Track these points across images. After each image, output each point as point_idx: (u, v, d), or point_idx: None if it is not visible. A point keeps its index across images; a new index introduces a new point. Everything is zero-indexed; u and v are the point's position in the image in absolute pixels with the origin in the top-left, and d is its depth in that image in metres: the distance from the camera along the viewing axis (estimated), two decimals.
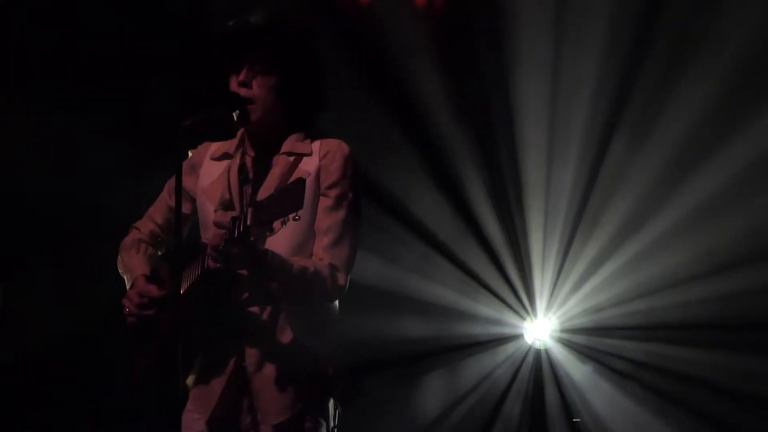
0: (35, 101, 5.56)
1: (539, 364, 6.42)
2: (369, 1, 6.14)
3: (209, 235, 3.48)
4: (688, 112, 5.97)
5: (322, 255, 3.46)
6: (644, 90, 6.05)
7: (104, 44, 5.64)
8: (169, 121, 3.26)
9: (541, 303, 6.42)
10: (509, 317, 6.46)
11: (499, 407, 6.39)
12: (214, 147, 3.70)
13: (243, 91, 3.50)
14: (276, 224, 3.13)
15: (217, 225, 3.45)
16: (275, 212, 3.11)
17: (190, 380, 3.52)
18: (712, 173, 5.95)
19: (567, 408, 6.31)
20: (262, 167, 3.56)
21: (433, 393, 6.41)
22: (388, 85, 6.10)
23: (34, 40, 5.63)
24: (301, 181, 3.12)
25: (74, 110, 5.58)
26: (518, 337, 6.48)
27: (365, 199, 3.61)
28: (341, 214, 3.50)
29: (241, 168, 3.58)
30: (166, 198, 3.76)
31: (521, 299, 6.43)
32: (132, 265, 3.65)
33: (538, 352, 6.44)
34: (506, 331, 6.47)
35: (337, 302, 3.58)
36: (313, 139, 3.59)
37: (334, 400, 3.56)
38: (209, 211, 3.57)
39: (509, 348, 6.47)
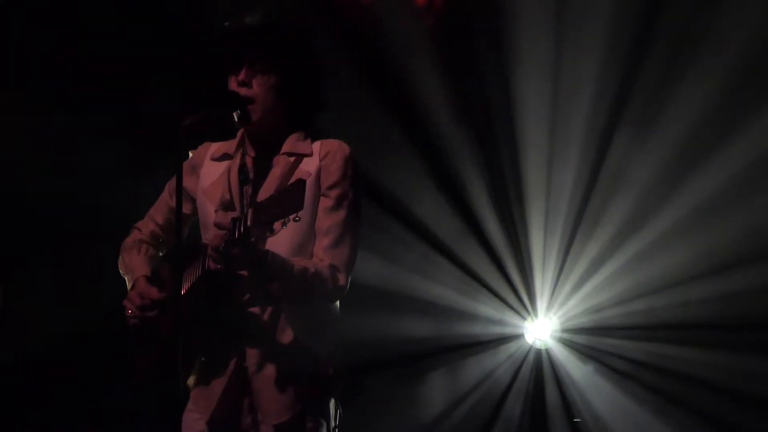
0: (35, 101, 5.55)
1: (540, 364, 6.42)
2: (369, 1, 6.14)
3: (210, 235, 3.49)
4: (689, 112, 5.97)
5: (322, 255, 3.46)
6: (644, 90, 6.05)
7: (104, 44, 5.63)
8: (169, 121, 3.26)
9: (541, 303, 6.42)
10: (510, 317, 6.46)
11: (499, 407, 6.39)
12: (215, 147, 3.70)
13: (243, 91, 3.50)
14: (276, 225, 3.13)
15: (218, 226, 3.46)
16: (275, 213, 3.12)
17: (190, 380, 3.52)
18: (712, 173, 5.95)
19: (567, 408, 6.31)
20: (263, 167, 3.56)
21: (434, 393, 6.41)
22: (388, 85, 6.09)
23: (34, 40, 5.63)
24: (301, 182, 3.12)
25: (74, 110, 5.57)
26: (519, 336, 6.48)
27: (365, 199, 3.61)
28: (341, 214, 3.50)
29: (242, 168, 3.58)
30: (166, 198, 3.76)
31: (522, 299, 6.43)
32: (133, 266, 3.65)
33: (538, 352, 6.44)
34: (507, 330, 6.47)
35: (337, 302, 3.59)
36: (314, 139, 3.59)
37: (335, 400, 3.56)
38: (210, 211, 3.57)
39: (510, 348, 6.48)
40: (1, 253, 5.51)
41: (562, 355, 6.40)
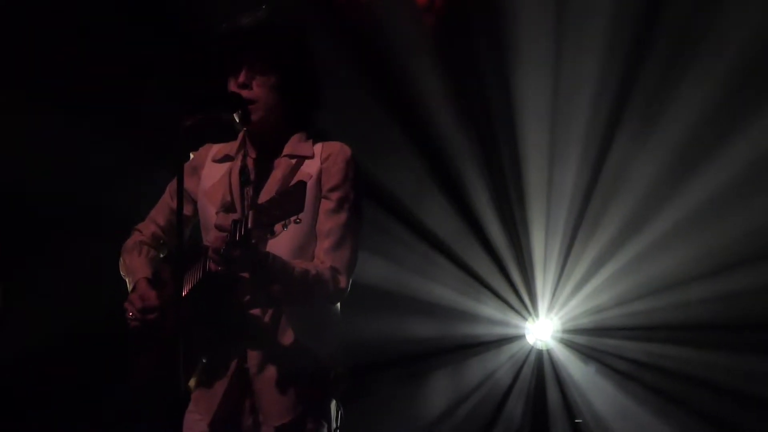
0: (35, 101, 5.54)
1: (541, 365, 6.43)
2: (369, 1, 6.13)
3: (210, 237, 3.48)
4: (689, 112, 5.97)
5: (323, 258, 3.46)
6: (645, 90, 6.05)
7: (104, 44, 5.63)
8: (170, 122, 3.25)
9: (542, 304, 6.42)
10: (511, 318, 6.46)
11: (501, 407, 6.39)
12: (216, 149, 3.70)
13: (244, 93, 3.50)
14: (277, 227, 3.14)
15: (219, 228, 3.45)
16: (276, 215, 3.12)
17: (192, 382, 3.52)
18: (712, 173, 5.95)
19: (568, 408, 6.31)
20: (264, 169, 3.56)
21: (436, 393, 6.41)
22: (388, 85, 6.09)
23: (34, 40, 5.62)
24: (302, 184, 3.12)
25: (74, 110, 5.57)
26: (520, 337, 6.48)
27: (366, 199, 3.61)
28: (342, 217, 3.50)
29: (243, 170, 3.58)
30: (167, 200, 3.76)
31: (523, 300, 6.43)
32: (134, 268, 3.64)
33: (539, 353, 6.44)
34: (508, 331, 6.47)
35: (338, 304, 3.58)
36: (315, 140, 3.59)
37: (336, 401, 3.56)
38: (211, 213, 3.56)
39: (511, 348, 6.48)
40: (1, 253, 5.50)
41: (563, 355, 6.40)
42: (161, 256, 3.73)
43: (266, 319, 3.45)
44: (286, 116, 3.56)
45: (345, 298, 3.54)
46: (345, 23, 5.99)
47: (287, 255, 3.40)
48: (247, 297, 3.43)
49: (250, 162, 3.60)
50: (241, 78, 3.51)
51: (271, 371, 3.44)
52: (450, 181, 6.28)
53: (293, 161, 3.53)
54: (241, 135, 3.64)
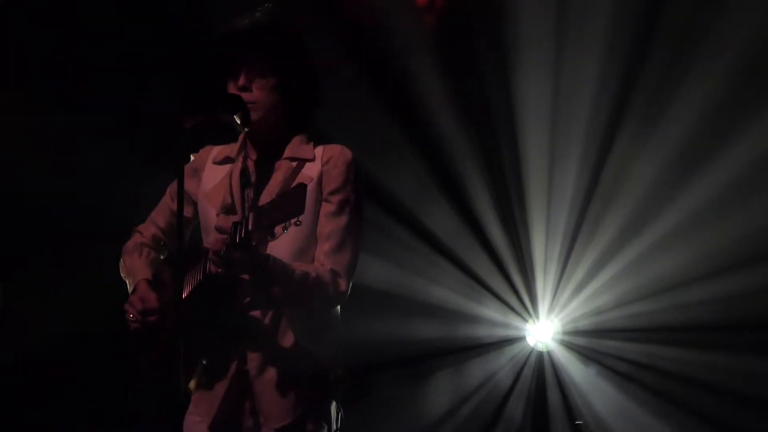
0: (35, 101, 5.54)
1: (541, 366, 6.42)
2: (369, 1, 6.13)
3: (211, 239, 3.49)
4: (689, 113, 5.96)
5: (323, 260, 3.46)
6: (645, 90, 6.04)
7: (104, 44, 5.63)
8: (170, 123, 3.25)
9: (543, 305, 6.41)
10: (512, 320, 6.45)
11: (501, 409, 6.38)
12: (216, 150, 3.70)
13: (244, 96, 3.50)
14: (277, 229, 3.14)
15: (219, 230, 3.46)
16: (276, 217, 3.12)
17: (192, 384, 3.52)
18: (713, 174, 5.94)
19: (569, 409, 6.31)
20: (264, 171, 3.57)
21: (437, 394, 6.41)
22: (388, 85, 6.09)
23: (34, 40, 5.62)
24: (302, 186, 3.12)
25: (74, 110, 5.57)
26: (521, 339, 6.47)
27: (366, 200, 3.61)
28: (343, 219, 3.50)
29: (243, 172, 3.58)
30: (168, 201, 3.76)
31: (524, 302, 6.42)
32: (134, 270, 3.64)
33: (540, 354, 6.43)
34: (509, 333, 6.47)
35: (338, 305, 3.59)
36: (316, 143, 3.59)
37: (336, 403, 3.56)
38: (211, 215, 3.56)
39: (512, 350, 6.47)
40: (1, 253, 5.50)
41: (563, 357, 6.40)
42: (161, 257, 3.73)
43: (266, 321, 3.45)
44: (286, 116, 3.57)
45: (345, 301, 3.54)
46: (345, 23, 5.98)
47: (287, 257, 3.40)
48: (247, 299, 3.44)
49: (250, 164, 3.60)
50: (241, 81, 3.51)
51: (272, 373, 3.44)
52: (450, 182, 6.27)
53: (294, 164, 3.53)
54: (241, 137, 3.64)
